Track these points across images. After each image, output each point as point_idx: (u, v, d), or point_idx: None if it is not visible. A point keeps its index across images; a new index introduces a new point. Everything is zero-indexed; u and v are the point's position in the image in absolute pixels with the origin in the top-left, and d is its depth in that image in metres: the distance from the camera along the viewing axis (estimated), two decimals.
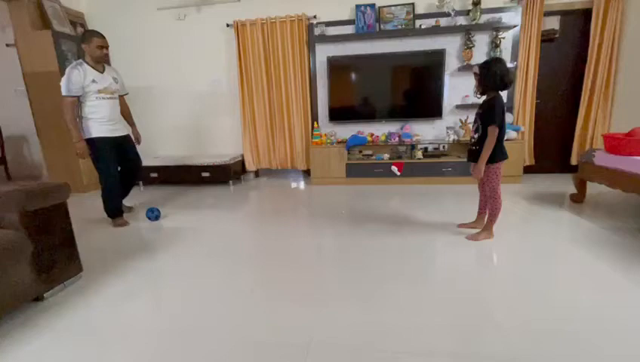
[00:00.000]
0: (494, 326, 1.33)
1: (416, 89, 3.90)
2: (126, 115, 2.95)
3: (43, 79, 3.69)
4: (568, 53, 3.75)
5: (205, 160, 4.05)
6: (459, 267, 1.84)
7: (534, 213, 2.67)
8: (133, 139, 2.94)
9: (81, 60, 2.50)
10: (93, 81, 2.48)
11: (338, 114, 4.05)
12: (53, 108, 3.74)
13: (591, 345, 1.20)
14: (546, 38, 3.67)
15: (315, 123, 4.11)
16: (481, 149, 2.02)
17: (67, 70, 2.42)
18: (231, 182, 4.11)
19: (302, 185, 4.10)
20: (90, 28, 4.34)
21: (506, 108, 1.96)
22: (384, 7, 3.74)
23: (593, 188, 2.91)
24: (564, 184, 3.45)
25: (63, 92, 2.41)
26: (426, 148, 3.91)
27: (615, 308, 1.42)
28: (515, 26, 3.58)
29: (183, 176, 4.10)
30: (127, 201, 3.08)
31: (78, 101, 2.48)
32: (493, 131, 1.95)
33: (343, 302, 1.55)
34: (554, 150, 3.96)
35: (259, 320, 1.44)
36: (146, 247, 2.30)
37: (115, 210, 2.77)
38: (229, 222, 2.78)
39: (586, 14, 3.55)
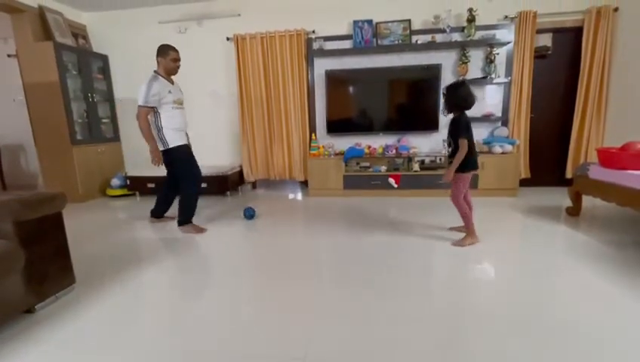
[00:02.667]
0: (493, 341, 1.32)
1: (412, 102, 3.96)
2: None
3: (43, 89, 3.71)
4: (561, 69, 3.84)
5: (203, 171, 4.03)
6: (457, 281, 1.84)
7: (531, 226, 2.68)
8: None
9: (155, 74, 2.59)
10: (170, 92, 2.60)
11: (336, 126, 4.09)
12: (52, 118, 3.76)
13: (591, 358, 1.19)
14: (539, 54, 3.76)
15: (313, 135, 4.14)
16: None
17: (146, 82, 2.51)
18: (228, 193, 4.10)
19: (299, 196, 4.09)
20: (91, 39, 4.41)
21: (471, 124, 2.21)
22: (381, 23, 3.83)
23: (588, 202, 2.93)
24: (560, 197, 3.47)
25: (140, 102, 2.49)
26: (422, 161, 3.94)
27: (614, 321, 1.41)
28: (508, 43, 3.67)
29: None
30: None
31: (153, 111, 2.56)
32: (462, 143, 2.17)
33: (339, 315, 1.53)
34: (549, 163, 4.01)
35: (254, 333, 1.42)
36: (141, 259, 2.28)
37: (192, 216, 2.84)
38: (226, 234, 2.76)
39: (577, 32, 3.65)
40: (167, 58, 2.59)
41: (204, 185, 4.01)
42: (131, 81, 4.46)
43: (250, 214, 3.03)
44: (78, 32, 4.23)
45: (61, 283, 1.73)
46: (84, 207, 3.78)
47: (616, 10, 3.49)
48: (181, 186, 2.77)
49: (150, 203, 3.90)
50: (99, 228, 2.99)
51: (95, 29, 4.41)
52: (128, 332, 1.45)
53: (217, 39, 4.17)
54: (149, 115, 2.56)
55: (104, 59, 4.37)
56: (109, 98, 4.44)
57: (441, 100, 2.36)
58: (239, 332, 1.43)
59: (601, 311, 1.49)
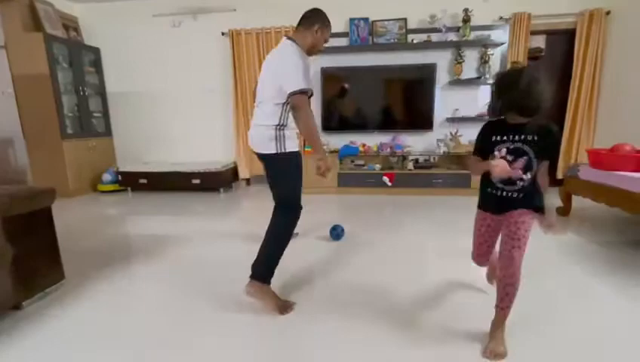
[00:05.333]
0: (486, 340, 1.33)
1: (407, 101, 3.97)
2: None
3: (32, 82, 3.64)
4: (554, 71, 3.88)
5: (196, 167, 4.01)
6: (450, 281, 1.85)
7: None
8: None
9: (297, 45, 1.58)
10: None
11: (330, 124, 4.09)
12: (42, 111, 3.69)
13: (583, 358, 1.21)
14: (533, 55, 3.80)
15: None
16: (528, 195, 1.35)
17: (293, 54, 1.52)
18: (222, 189, 4.07)
19: None
20: (83, 32, 4.31)
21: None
22: (377, 21, 3.82)
23: (579, 202, 2.97)
24: (551, 197, 3.51)
25: (302, 85, 1.47)
26: (416, 160, 3.96)
27: (603, 319, 1.44)
28: (502, 44, 3.70)
29: (173, 183, 4.05)
30: None
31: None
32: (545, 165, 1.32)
33: (340, 320, 1.53)
34: None
35: (250, 334, 1.41)
36: (131, 255, 2.26)
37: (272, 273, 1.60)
38: (217, 231, 2.74)
39: (570, 34, 3.70)
40: (324, 34, 1.71)
41: (196, 181, 3.98)
42: (124, 74, 4.40)
43: (336, 234, 2.42)
44: (70, 24, 4.14)
45: (50, 280, 1.70)
46: (74, 202, 3.72)
47: (608, 13, 3.54)
48: (277, 211, 1.76)
49: (142, 199, 3.88)
50: (89, 224, 2.95)
51: (87, 22, 4.32)
52: (117, 329, 1.44)
53: (212, 34, 4.12)
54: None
55: (96, 52, 4.29)
56: (101, 92, 4.37)
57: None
58: (233, 331, 1.42)
59: (590, 310, 1.51)
